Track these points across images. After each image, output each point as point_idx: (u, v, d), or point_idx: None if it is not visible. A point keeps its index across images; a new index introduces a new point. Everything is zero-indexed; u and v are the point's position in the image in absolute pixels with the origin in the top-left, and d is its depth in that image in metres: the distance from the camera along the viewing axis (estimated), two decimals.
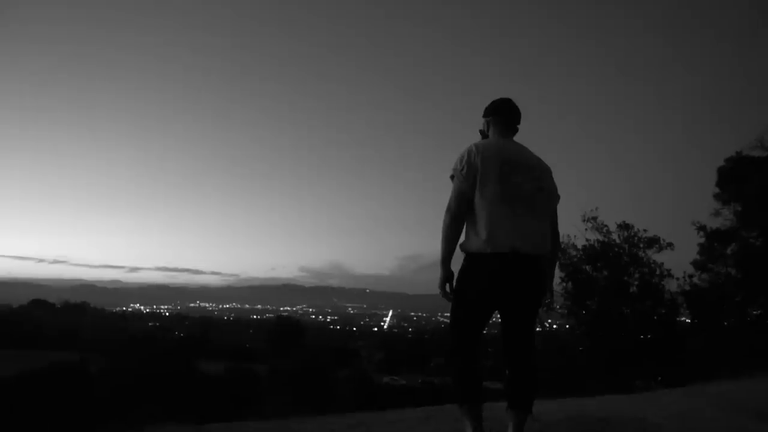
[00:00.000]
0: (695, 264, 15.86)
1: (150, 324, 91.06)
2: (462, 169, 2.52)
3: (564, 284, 15.76)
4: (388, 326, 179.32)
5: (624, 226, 16.04)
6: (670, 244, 15.95)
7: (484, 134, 2.82)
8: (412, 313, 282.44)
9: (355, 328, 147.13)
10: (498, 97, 2.84)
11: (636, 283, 15.59)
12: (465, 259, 2.55)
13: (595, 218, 16.37)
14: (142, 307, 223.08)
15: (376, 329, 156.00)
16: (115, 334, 49.77)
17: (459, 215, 2.53)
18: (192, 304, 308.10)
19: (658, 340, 14.85)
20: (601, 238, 16.13)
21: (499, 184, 2.48)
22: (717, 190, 16.11)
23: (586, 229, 16.24)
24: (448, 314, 2.66)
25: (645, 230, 16.14)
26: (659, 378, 14.19)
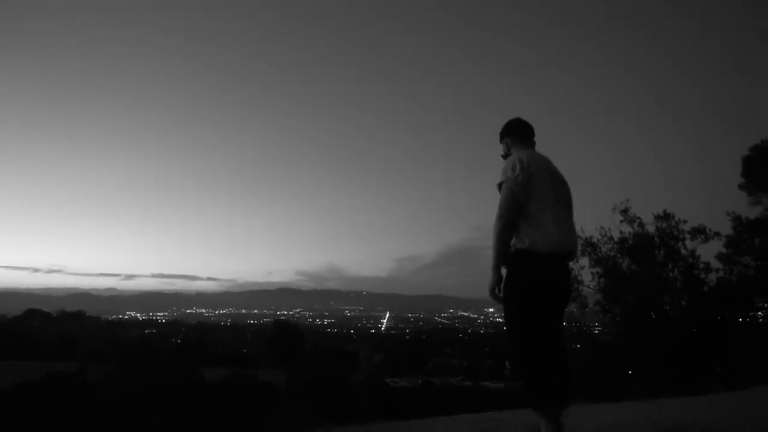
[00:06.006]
0: (720, 257, 15.07)
1: (147, 331, 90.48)
2: (518, 177, 2.64)
3: (599, 280, 14.91)
4: (386, 328, 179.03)
5: (663, 217, 15.08)
6: (717, 234, 15.07)
7: (508, 156, 2.88)
8: (410, 314, 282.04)
9: (352, 331, 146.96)
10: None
11: (680, 277, 14.72)
12: (519, 259, 2.60)
13: (626, 210, 15.51)
14: (138, 315, 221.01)
15: (373, 331, 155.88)
16: (111, 342, 49.11)
17: (511, 222, 2.64)
18: (188, 311, 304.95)
19: (700, 337, 13.94)
20: (634, 230, 15.28)
21: (553, 192, 2.68)
22: (742, 180, 15.30)
23: (621, 221, 15.46)
24: (503, 319, 2.70)
25: (685, 221, 15.31)
26: (705, 378, 13.37)
